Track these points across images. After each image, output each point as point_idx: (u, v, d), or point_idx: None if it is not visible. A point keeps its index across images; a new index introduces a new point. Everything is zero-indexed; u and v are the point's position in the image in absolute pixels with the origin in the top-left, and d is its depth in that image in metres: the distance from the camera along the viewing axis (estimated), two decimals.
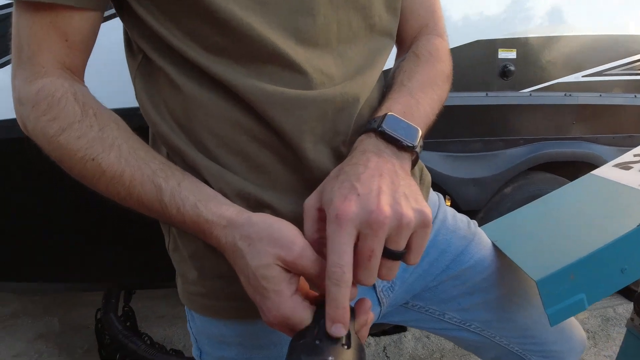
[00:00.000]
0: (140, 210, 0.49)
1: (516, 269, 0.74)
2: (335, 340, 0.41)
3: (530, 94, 2.07)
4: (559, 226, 0.73)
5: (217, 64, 0.50)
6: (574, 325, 0.85)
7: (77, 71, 0.54)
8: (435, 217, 0.75)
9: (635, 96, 2.30)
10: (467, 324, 0.80)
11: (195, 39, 0.50)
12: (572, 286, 0.60)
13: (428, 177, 0.75)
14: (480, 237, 0.77)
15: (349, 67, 0.56)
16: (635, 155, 0.79)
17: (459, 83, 1.94)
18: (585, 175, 0.83)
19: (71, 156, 0.48)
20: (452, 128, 1.95)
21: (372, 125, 0.52)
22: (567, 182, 2.14)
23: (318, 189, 0.48)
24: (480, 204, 1.99)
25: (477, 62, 1.94)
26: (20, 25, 0.49)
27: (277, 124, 0.51)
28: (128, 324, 1.87)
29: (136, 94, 0.58)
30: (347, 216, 0.41)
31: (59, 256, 1.69)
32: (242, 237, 0.45)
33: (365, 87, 0.58)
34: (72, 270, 1.75)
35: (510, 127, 2.07)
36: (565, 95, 2.13)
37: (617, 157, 2.25)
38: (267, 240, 0.44)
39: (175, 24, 0.50)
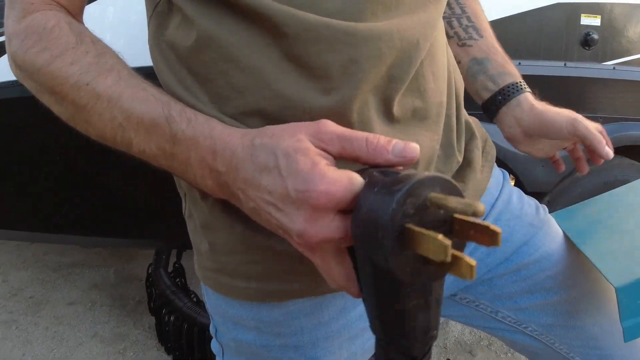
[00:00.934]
0: (137, 136, 0.41)
1: (589, 268, 0.63)
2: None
3: (614, 68, 1.89)
4: (624, 210, 0.66)
5: None
6: None
7: (74, 11, 0.48)
8: (497, 198, 0.65)
9: None
10: (523, 326, 0.69)
11: None
12: None
13: (493, 151, 0.66)
14: (549, 227, 0.67)
15: None
16: None
17: (534, 50, 1.80)
18: None
19: (63, 83, 0.42)
20: None
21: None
22: None
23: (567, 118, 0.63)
24: (548, 186, 1.84)
25: (555, 28, 1.79)
26: None
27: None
28: (178, 280, 1.92)
29: (149, 40, 0.51)
30: None
31: (114, 213, 1.78)
32: (260, 135, 0.38)
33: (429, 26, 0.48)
34: (126, 227, 1.84)
35: (588, 103, 1.89)
36: None
37: None
38: (292, 127, 0.37)
39: None
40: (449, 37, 0.68)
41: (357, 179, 0.33)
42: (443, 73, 0.53)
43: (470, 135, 0.63)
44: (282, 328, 0.52)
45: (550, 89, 1.81)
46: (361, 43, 0.42)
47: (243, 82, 0.44)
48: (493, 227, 0.29)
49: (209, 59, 0.44)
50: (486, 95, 0.67)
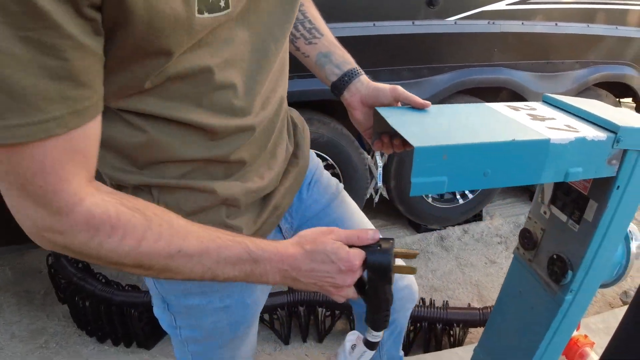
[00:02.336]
0: (225, 271, 0.58)
1: (367, 225, 0.94)
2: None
3: (455, 22, 2.15)
4: (448, 120, 0.78)
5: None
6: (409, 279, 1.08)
7: (94, 173, 0.52)
8: (315, 172, 0.94)
9: (556, 24, 2.42)
10: None
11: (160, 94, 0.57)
12: (440, 166, 0.63)
13: (307, 130, 0.92)
14: (342, 197, 0.99)
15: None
16: (526, 105, 0.88)
17: (387, 12, 1.99)
18: (478, 103, 0.92)
19: (154, 257, 0.52)
20: (380, 57, 2.03)
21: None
22: None
23: None
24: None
25: None
26: (23, 164, 0.44)
27: None
28: (80, 265, 1.93)
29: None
30: None
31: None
32: (305, 243, 0.64)
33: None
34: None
35: (435, 54, 2.17)
36: (488, 23, 2.23)
37: (535, 82, 2.45)
38: (321, 235, 0.65)
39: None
40: (296, 38, 0.89)
41: (363, 253, 0.66)
42: (282, 108, 0.77)
43: (294, 127, 0.88)
44: (217, 285, 0.73)
45: (401, 45, 2.06)
46: (251, 132, 0.67)
47: (180, 165, 0.64)
48: (414, 251, 0.71)
49: (151, 152, 0.61)
50: (334, 78, 0.89)
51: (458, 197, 2.66)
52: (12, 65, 0.39)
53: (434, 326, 1.74)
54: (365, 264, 0.66)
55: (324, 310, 1.85)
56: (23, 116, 0.41)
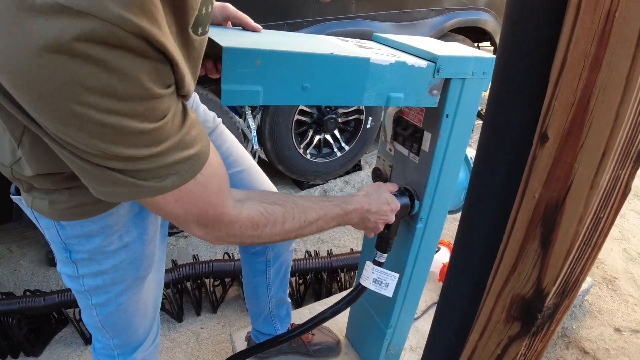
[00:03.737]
0: (327, 225, 0.80)
1: (244, 157, 0.96)
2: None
3: None
4: (273, 38, 0.73)
5: None
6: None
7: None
8: (192, 105, 0.94)
9: None
10: None
11: None
12: (254, 74, 0.59)
13: None
14: (220, 128, 1.04)
15: None
16: (356, 40, 0.90)
17: None
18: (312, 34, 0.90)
19: (293, 229, 0.74)
20: None
21: None
22: None
23: None
24: None
25: None
26: (198, 199, 0.59)
27: None
28: None
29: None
30: None
31: None
32: (370, 193, 0.90)
33: None
34: None
35: (294, 9, 2.15)
36: None
37: (394, 32, 2.55)
38: (377, 187, 0.92)
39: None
40: None
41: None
42: None
43: None
44: (117, 225, 0.76)
45: (259, 1, 2.01)
46: None
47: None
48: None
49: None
50: None
51: (335, 150, 2.73)
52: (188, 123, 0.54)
53: (320, 275, 1.80)
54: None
55: (212, 280, 1.82)
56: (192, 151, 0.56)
